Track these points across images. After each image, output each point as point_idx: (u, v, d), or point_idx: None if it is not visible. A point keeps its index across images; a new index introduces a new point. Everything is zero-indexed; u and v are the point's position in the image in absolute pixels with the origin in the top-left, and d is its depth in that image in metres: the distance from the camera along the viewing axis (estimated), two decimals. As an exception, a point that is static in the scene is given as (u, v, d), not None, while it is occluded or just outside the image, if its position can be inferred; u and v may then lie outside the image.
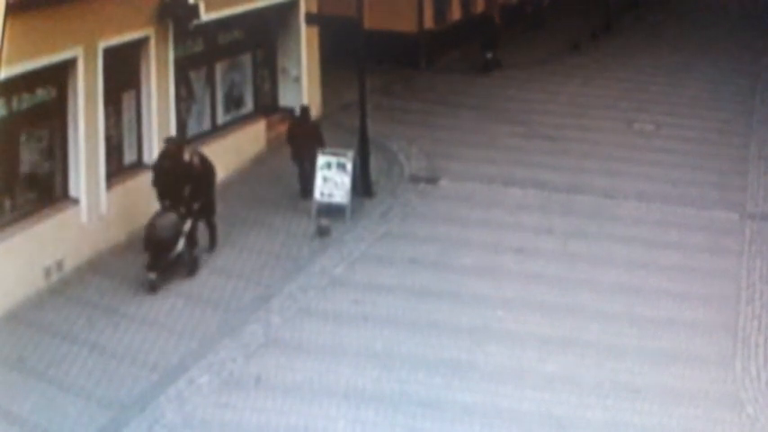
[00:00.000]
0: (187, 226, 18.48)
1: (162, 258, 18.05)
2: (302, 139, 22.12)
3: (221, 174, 22.45)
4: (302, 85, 25.85)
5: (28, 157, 18.23)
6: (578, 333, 17.22)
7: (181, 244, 18.36)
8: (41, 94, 18.21)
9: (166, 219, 18.28)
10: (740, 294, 18.84)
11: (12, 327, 16.64)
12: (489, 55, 32.98)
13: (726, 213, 22.47)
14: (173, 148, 18.99)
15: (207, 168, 19.03)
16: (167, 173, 18.66)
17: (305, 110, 22.94)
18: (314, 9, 25.71)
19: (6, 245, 17.20)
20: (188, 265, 18.54)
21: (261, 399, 15.21)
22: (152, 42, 20.60)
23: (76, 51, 18.52)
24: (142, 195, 20.31)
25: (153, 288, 17.82)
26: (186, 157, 18.91)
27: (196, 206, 18.60)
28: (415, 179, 23.60)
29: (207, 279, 18.61)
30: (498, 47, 33.11)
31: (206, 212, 19.04)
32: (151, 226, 18.15)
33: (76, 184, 18.86)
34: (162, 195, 18.59)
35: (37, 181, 18.45)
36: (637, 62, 34.52)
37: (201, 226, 19.15)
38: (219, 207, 21.36)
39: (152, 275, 17.90)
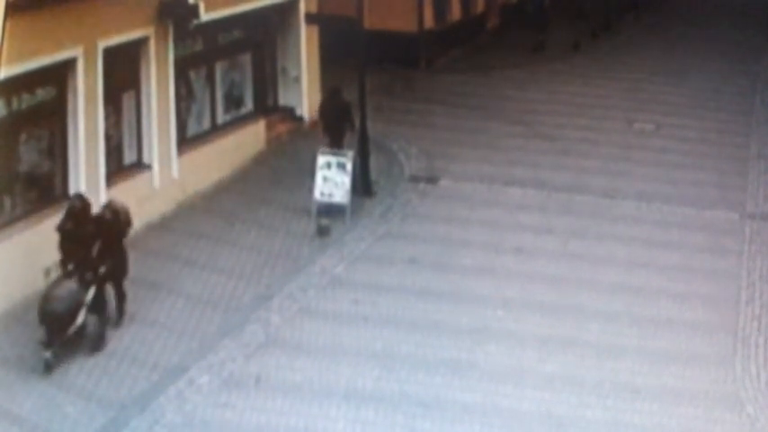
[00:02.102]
0: (89, 295, 16.09)
1: (59, 334, 15.69)
2: (332, 115, 22.77)
3: (221, 174, 22.58)
4: (302, 85, 25.86)
5: (28, 157, 18.23)
6: (578, 333, 17.23)
7: (81, 316, 15.95)
8: (41, 93, 18.20)
9: (64, 288, 15.91)
10: (740, 294, 18.85)
11: (11, 326, 16.64)
12: (541, 36, 34.67)
13: (726, 213, 22.47)
14: (78, 207, 16.66)
15: (120, 222, 16.81)
16: (72, 235, 16.41)
17: (336, 89, 23.18)
18: (314, 9, 25.72)
19: (6, 245, 17.19)
20: (91, 340, 16.23)
21: (261, 399, 15.21)
22: (152, 42, 20.60)
23: (76, 51, 18.52)
24: (142, 195, 20.35)
25: (49, 368, 15.47)
26: (106, 212, 16.81)
27: (102, 269, 16.33)
28: (414, 179, 23.61)
29: (208, 278, 18.62)
30: (547, 28, 34.81)
31: (115, 275, 16.72)
32: (46, 298, 15.81)
33: (76, 184, 18.84)
34: (66, 260, 16.36)
35: (37, 181, 18.45)
36: (637, 62, 34.53)
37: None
38: (219, 208, 21.43)
39: (47, 354, 15.52)
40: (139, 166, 20.75)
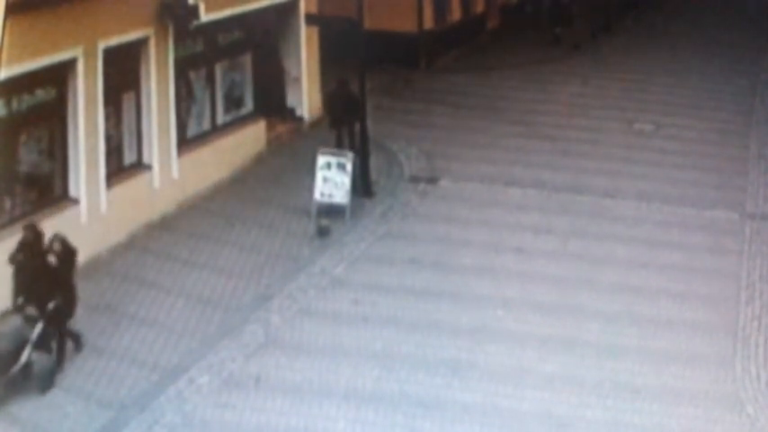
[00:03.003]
0: (36, 332, 15.01)
1: (2, 373, 14.75)
2: (340, 106, 23.08)
3: (221, 174, 22.57)
4: (302, 86, 25.87)
5: (28, 158, 18.23)
6: (578, 333, 17.22)
7: (25, 355, 14.89)
8: (41, 94, 18.21)
9: (8, 325, 15.09)
10: (740, 294, 18.84)
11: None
12: (558, 30, 35.51)
13: (726, 213, 22.47)
14: (30, 237, 15.78)
15: (68, 256, 15.70)
16: (24, 266, 15.55)
17: (343, 80, 23.21)
18: (314, 9, 25.73)
19: (6, 245, 17.15)
20: (40, 379, 15.10)
21: (261, 399, 15.21)
22: (152, 42, 20.60)
23: (76, 52, 18.53)
24: (142, 196, 20.35)
25: None
26: (54, 245, 15.60)
27: (51, 305, 15.17)
28: (414, 179, 23.61)
29: (208, 278, 18.62)
30: (565, 23, 35.64)
31: (62, 313, 15.52)
32: None
33: (76, 185, 18.86)
34: (17, 294, 15.50)
35: (37, 181, 18.45)
36: (637, 62, 34.52)
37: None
38: (219, 208, 21.43)
39: None
40: (139, 166, 20.75)
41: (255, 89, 24.50)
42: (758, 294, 18.84)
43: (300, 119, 25.95)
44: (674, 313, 18.02)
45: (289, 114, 25.89)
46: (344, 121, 23.11)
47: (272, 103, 25.27)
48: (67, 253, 15.68)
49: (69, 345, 15.92)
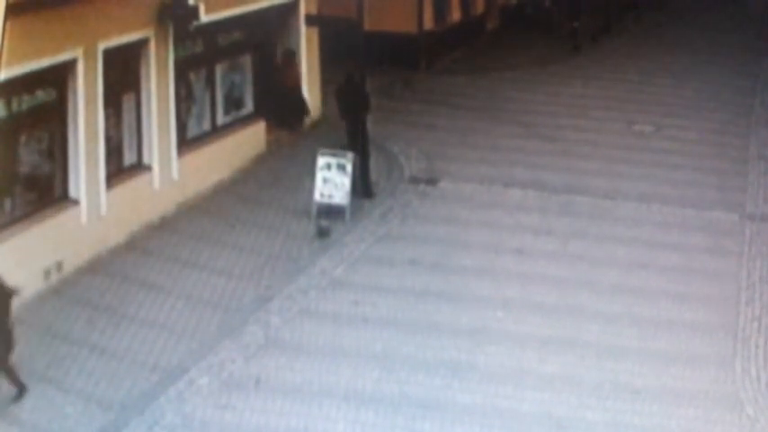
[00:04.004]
0: None
1: None
2: (349, 99, 23.08)
3: (221, 175, 22.58)
4: (302, 87, 25.85)
5: (28, 159, 18.22)
6: (578, 334, 17.23)
7: None
8: (41, 95, 18.19)
9: None
10: (740, 295, 18.85)
11: (12, 328, 16.64)
12: (576, 24, 35.77)
13: (725, 214, 22.47)
14: None
15: (2, 297, 14.58)
16: None
17: (351, 75, 23.20)
18: (314, 10, 25.74)
19: (6, 246, 17.18)
20: None
21: (261, 400, 15.21)
22: (152, 43, 20.60)
23: (76, 53, 18.52)
24: (142, 196, 20.36)
25: None
26: None
27: None
28: (414, 180, 23.61)
29: (207, 279, 18.61)
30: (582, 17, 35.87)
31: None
32: None
33: (76, 186, 18.85)
34: None
35: (37, 182, 18.44)
36: (636, 63, 34.54)
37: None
38: (219, 209, 21.44)
39: None
40: (139, 167, 20.74)
41: (256, 91, 24.52)
42: (758, 295, 18.85)
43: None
44: (674, 314, 18.02)
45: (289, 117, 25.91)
46: (351, 117, 23.07)
47: (275, 107, 25.24)
48: (2, 294, 14.58)
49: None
